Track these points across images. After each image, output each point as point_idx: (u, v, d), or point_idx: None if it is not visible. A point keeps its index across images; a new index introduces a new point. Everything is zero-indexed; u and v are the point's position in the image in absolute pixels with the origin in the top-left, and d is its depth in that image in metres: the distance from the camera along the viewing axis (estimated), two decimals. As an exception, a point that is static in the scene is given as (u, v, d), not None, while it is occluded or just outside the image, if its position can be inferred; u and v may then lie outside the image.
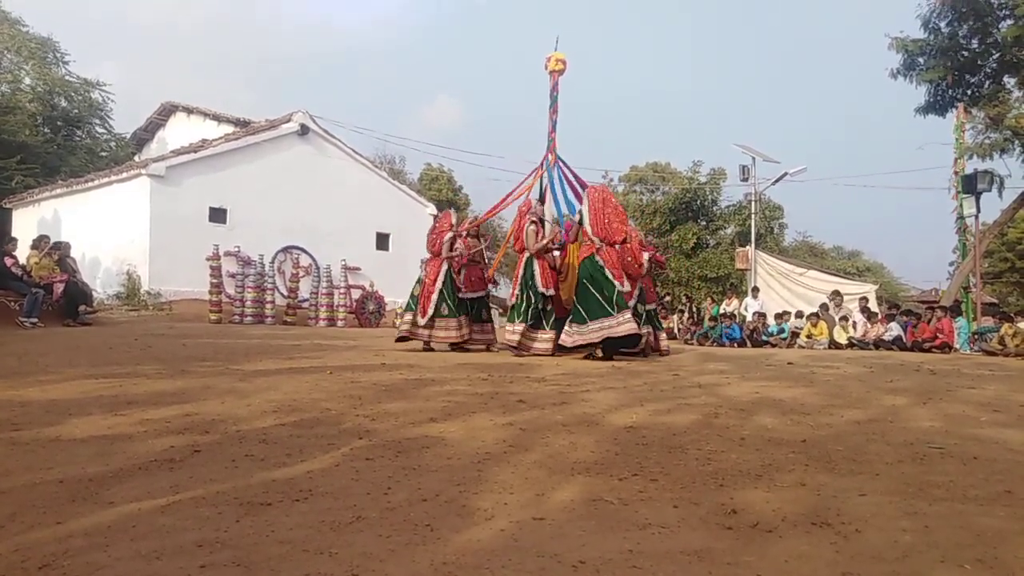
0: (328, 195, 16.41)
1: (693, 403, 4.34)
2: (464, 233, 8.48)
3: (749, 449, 3.08)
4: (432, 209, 18.14)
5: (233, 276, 14.03)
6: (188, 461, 2.71)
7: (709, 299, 18.47)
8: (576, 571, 1.73)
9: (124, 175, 14.86)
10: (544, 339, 7.64)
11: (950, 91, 15.21)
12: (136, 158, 20.39)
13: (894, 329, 13.02)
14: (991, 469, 2.80)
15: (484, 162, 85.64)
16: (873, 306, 15.48)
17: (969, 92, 15.36)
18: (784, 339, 13.93)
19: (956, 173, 16.12)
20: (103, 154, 21.90)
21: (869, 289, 17.18)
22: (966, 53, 14.80)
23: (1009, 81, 15.24)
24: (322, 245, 16.02)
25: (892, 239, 68.00)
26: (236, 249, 14.52)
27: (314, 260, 15.79)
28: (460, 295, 8.19)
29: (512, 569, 1.73)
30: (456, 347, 8.01)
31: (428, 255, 8.25)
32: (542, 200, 8.87)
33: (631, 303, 7.54)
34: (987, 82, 15.19)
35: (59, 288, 10.24)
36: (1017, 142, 15.86)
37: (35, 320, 9.47)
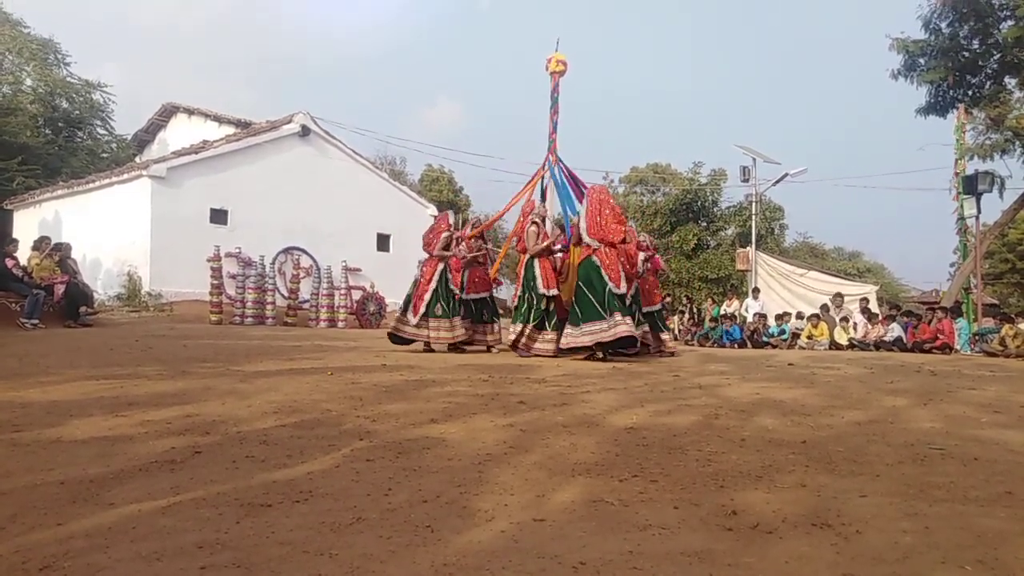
0: (329, 196, 16.42)
1: (693, 404, 4.34)
2: (468, 234, 8.48)
3: (750, 450, 3.08)
4: (433, 210, 18.15)
5: (234, 277, 14.04)
6: (189, 462, 2.72)
7: (710, 300, 18.46)
8: (576, 572, 1.73)
9: (125, 176, 14.87)
10: (546, 340, 7.64)
11: (951, 92, 15.21)
12: (137, 159, 20.42)
13: (895, 330, 13.02)
14: (992, 470, 2.80)
15: (485, 163, 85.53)
16: (874, 307, 15.48)
17: (970, 93, 15.36)
18: (785, 340, 13.93)
19: (957, 174, 16.10)
20: (104, 155, 21.93)
21: (869, 290, 17.17)
22: (967, 54, 14.80)
23: (1010, 82, 15.24)
24: (323, 246, 16.03)
25: (893, 240, 68.01)
26: (237, 250, 14.53)
27: (315, 261, 15.80)
28: (464, 296, 8.20)
29: (513, 570, 1.73)
30: (453, 347, 8.01)
31: (426, 255, 8.25)
32: (543, 199, 8.89)
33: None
34: (988, 83, 15.19)
35: (60, 289, 10.24)
36: (1018, 143, 15.85)
37: (36, 321, 9.47)
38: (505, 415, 3.78)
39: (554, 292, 7.69)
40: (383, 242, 18.04)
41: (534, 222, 7.93)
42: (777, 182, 20.38)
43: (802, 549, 1.91)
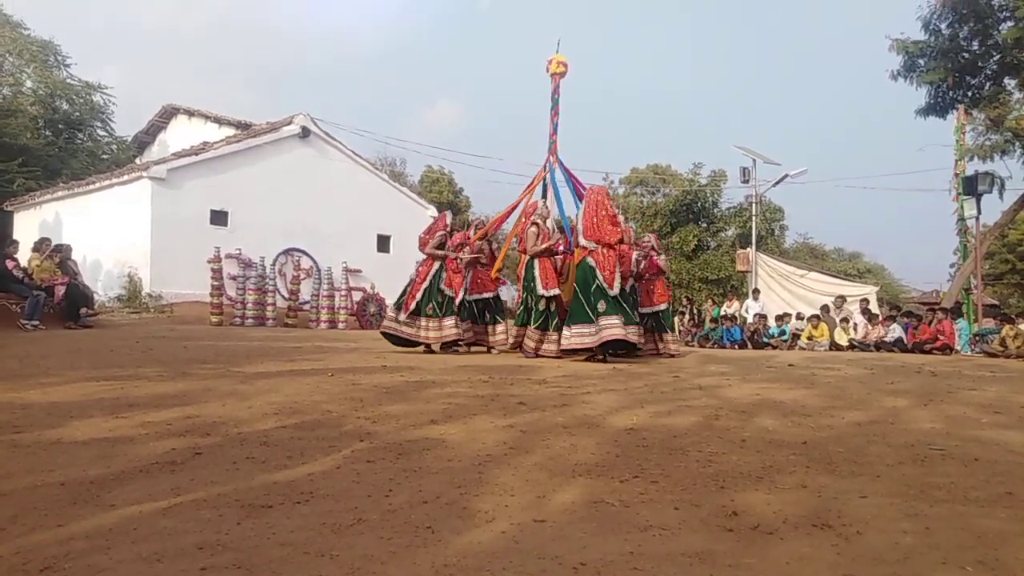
0: (329, 197, 16.43)
1: (694, 405, 4.34)
2: (475, 238, 8.46)
3: (750, 451, 3.08)
4: (432, 211, 18.16)
5: (234, 278, 14.04)
6: (189, 463, 2.72)
7: (710, 301, 18.49)
8: (577, 573, 1.73)
9: (125, 178, 14.88)
10: (550, 341, 7.64)
11: (950, 93, 15.21)
12: (137, 161, 20.42)
13: (896, 330, 13.02)
14: (992, 471, 2.80)
15: (485, 164, 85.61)
16: (874, 308, 15.48)
17: (969, 94, 15.36)
18: (785, 341, 13.93)
19: (957, 175, 16.12)
20: (104, 157, 21.95)
21: (870, 291, 17.18)
22: (967, 55, 14.81)
23: (1009, 83, 15.25)
24: (323, 247, 16.04)
25: (893, 241, 67.98)
26: (237, 251, 14.54)
27: (315, 262, 15.81)
28: (468, 297, 8.19)
29: (513, 571, 1.73)
30: (447, 346, 7.98)
31: (423, 256, 8.24)
32: (544, 197, 8.89)
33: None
34: (987, 84, 15.19)
35: (60, 290, 10.24)
36: (1017, 144, 15.87)
37: (36, 322, 9.47)
38: (505, 416, 3.78)
39: (553, 292, 7.68)
40: (383, 243, 18.05)
41: (535, 223, 7.93)
42: (777, 183, 20.39)
43: (803, 550, 1.91)
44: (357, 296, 15.96)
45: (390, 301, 15.69)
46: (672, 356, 8.70)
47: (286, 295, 14.85)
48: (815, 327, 13.59)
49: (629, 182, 28.87)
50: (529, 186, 9.41)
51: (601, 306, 7.04)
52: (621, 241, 7.54)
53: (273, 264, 14.95)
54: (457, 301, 7.92)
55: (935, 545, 1.94)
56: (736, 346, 13.66)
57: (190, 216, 14.36)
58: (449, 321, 7.83)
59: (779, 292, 17.75)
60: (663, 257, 9.45)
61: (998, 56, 14.60)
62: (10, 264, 10.01)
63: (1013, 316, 13.65)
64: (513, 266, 12.66)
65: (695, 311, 17.81)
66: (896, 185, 58.29)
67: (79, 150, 21.26)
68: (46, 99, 20.82)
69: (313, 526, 2.03)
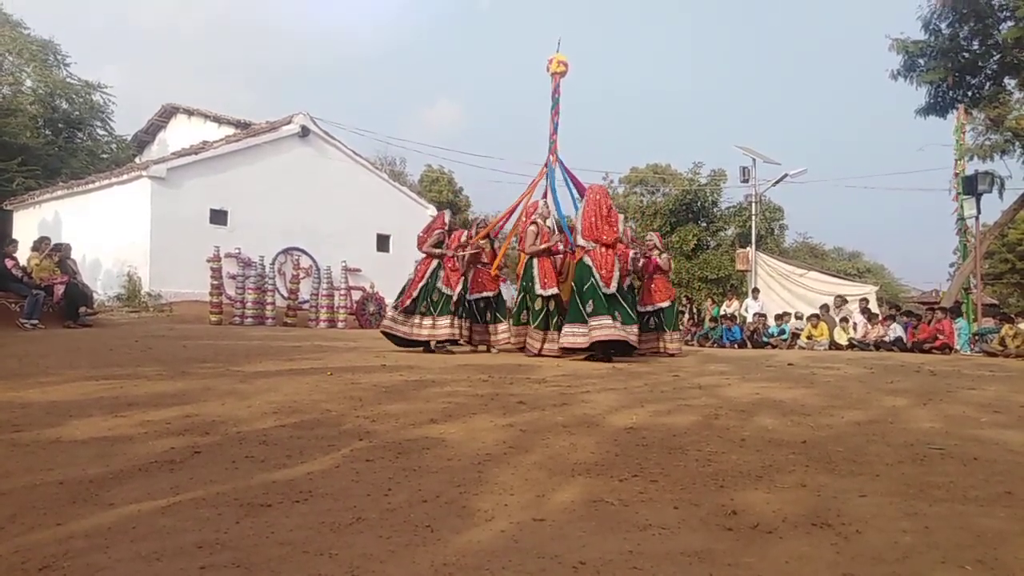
0: (329, 197, 16.42)
1: (693, 404, 4.34)
2: (476, 238, 8.45)
3: (749, 450, 3.08)
4: (432, 211, 18.16)
5: (234, 278, 14.04)
6: (188, 462, 2.72)
7: (710, 300, 18.49)
8: (576, 572, 1.73)
9: (125, 177, 14.88)
10: (551, 340, 7.63)
11: (950, 92, 15.22)
12: (137, 160, 20.41)
13: (896, 330, 13.02)
14: (991, 470, 2.80)
15: (485, 164, 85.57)
16: (874, 307, 15.49)
17: (969, 93, 15.37)
18: (784, 340, 13.94)
19: (956, 174, 16.11)
20: (104, 156, 21.94)
21: (870, 290, 17.19)
22: (967, 54, 14.81)
23: (1009, 83, 15.25)
24: (322, 247, 16.03)
25: (893, 240, 67.97)
26: (237, 251, 14.53)
27: (315, 261, 15.81)
28: (468, 296, 8.17)
29: (513, 570, 1.73)
30: (440, 345, 7.95)
31: (423, 255, 8.23)
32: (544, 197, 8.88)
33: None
34: (987, 83, 15.20)
35: (60, 290, 10.24)
36: (1017, 143, 15.87)
37: (36, 322, 9.47)
38: (505, 415, 3.78)
39: (550, 292, 7.67)
40: (383, 242, 18.04)
41: (534, 222, 7.93)
42: (777, 182, 20.40)
43: (802, 549, 1.91)
44: (356, 295, 15.96)
45: (390, 300, 15.74)
46: (671, 355, 8.70)
47: (285, 294, 14.84)
48: (815, 326, 13.60)
49: (629, 181, 28.88)
50: (530, 186, 9.41)
51: (590, 306, 7.03)
52: (620, 240, 7.54)
53: (272, 263, 14.94)
54: (454, 298, 7.86)
55: (934, 544, 1.94)
56: (736, 345, 13.67)
57: (190, 215, 14.35)
58: (443, 320, 7.75)
59: (779, 291, 17.76)
60: (665, 256, 9.42)
61: (998, 56, 14.60)
62: (9, 263, 10.01)
63: (1012, 315, 13.65)
64: (513, 265, 12.66)
65: (695, 310, 17.81)
66: (896, 185, 58.28)
67: (79, 149, 21.25)
68: (46, 98, 20.81)
69: (312, 525, 2.03)
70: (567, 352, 7.32)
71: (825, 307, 14.49)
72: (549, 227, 8.12)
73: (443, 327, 7.75)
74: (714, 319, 15.11)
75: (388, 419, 3.61)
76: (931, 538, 1.99)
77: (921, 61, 15.04)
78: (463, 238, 8.24)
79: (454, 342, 8.05)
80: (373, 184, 18.08)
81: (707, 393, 4.91)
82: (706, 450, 3.06)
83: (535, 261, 7.77)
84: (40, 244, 11.02)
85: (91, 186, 15.77)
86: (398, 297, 8.09)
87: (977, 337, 12.72)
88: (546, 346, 7.63)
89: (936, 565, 1.80)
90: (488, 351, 8.26)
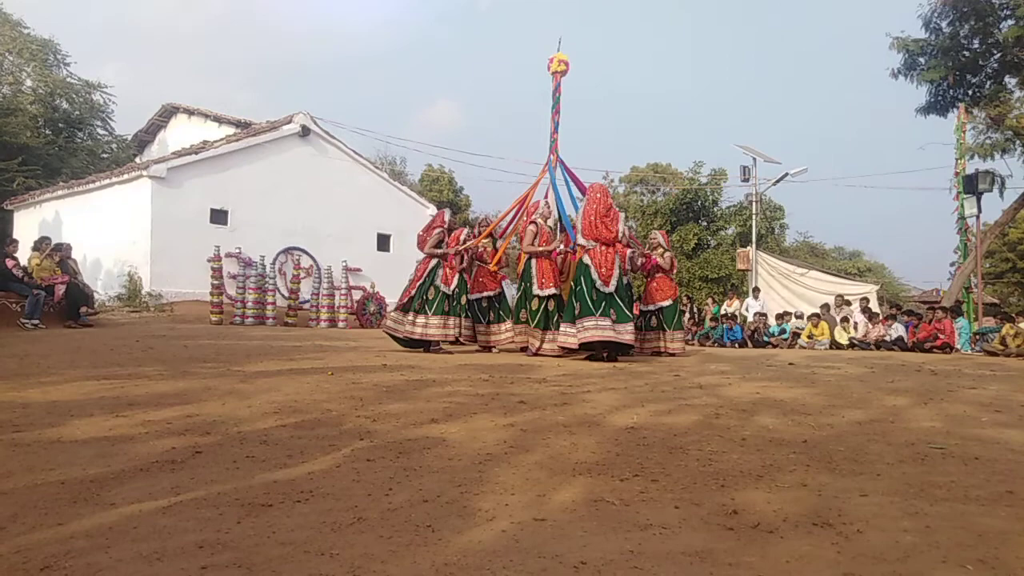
0: (329, 196, 16.43)
1: (694, 404, 4.33)
2: (478, 239, 8.44)
3: (750, 450, 3.08)
4: (433, 210, 18.16)
5: (234, 277, 14.04)
6: (189, 462, 2.72)
7: (710, 300, 18.48)
8: (577, 572, 1.73)
9: (125, 177, 14.88)
10: (549, 340, 7.64)
11: (951, 91, 15.22)
12: (137, 159, 20.43)
13: (897, 329, 13.02)
14: (992, 469, 2.80)
15: (485, 163, 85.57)
16: (874, 307, 15.49)
17: (970, 92, 15.37)
18: (785, 339, 13.94)
19: (957, 173, 16.11)
20: (104, 156, 21.98)
21: (870, 289, 17.19)
22: (967, 53, 14.81)
23: (1010, 81, 15.25)
24: (323, 246, 16.04)
25: (893, 239, 68.05)
26: (237, 250, 14.54)
27: (315, 261, 15.82)
28: (470, 296, 8.16)
29: (513, 570, 1.73)
30: (436, 346, 7.91)
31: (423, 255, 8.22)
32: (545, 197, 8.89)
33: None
34: (988, 82, 15.20)
35: (60, 289, 10.25)
36: (1018, 142, 15.87)
37: (36, 321, 9.48)
38: (506, 415, 3.77)
39: (547, 292, 7.67)
40: (383, 242, 18.05)
41: (534, 222, 7.92)
42: (777, 182, 20.40)
43: (803, 548, 1.90)
44: (357, 295, 15.96)
45: (390, 300, 15.78)
46: (672, 355, 8.69)
47: (286, 294, 14.85)
48: (815, 326, 13.59)
49: (629, 181, 28.89)
50: (532, 184, 9.42)
51: (577, 308, 7.03)
52: (620, 240, 7.53)
53: (273, 263, 14.95)
54: (449, 294, 7.79)
55: (935, 544, 1.94)
56: (736, 345, 13.67)
57: (190, 215, 14.36)
58: (435, 319, 7.67)
59: (779, 291, 17.76)
60: (668, 254, 9.39)
61: (999, 54, 14.60)
62: (10, 263, 10.02)
63: (1013, 315, 13.64)
64: (514, 264, 12.67)
65: (695, 310, 17.81)
66: (896, 184, 58.29)
67: (79, 149, 21.28)
68: (46, 98, 20.83)
69: (313, 525, 2.03)
70: (566, 351, 7.32)
71: (826, 306, 14.48)
72: (550, 227, 8.12)
73: (435, 326, 7.68)
74: (715, 318, 15.11)
75: (389, 419, 3.61)
76: (932, 537, 1.99)
77: (922, 60, 15.05)
78: (462, 237, 8.24)
79: (450, 342, 8.02)
80: (373, 184, 18.09)
81: (708, 392, 4.91)
82: (707, 450, 3.06)
83: (533, 261, 7.77)
84: (41, 244, 11.03)
85: (91, 186, 15.77)
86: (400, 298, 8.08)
87: (978, 336, 12.71)
88: (545, 345, 7.63)
89: (937, 565, 1.80)
90: (489, 351, 8.25)
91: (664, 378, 5.80)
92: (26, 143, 18.48)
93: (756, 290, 17.08)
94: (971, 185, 15.05)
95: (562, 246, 8.13)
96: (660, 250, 9.28)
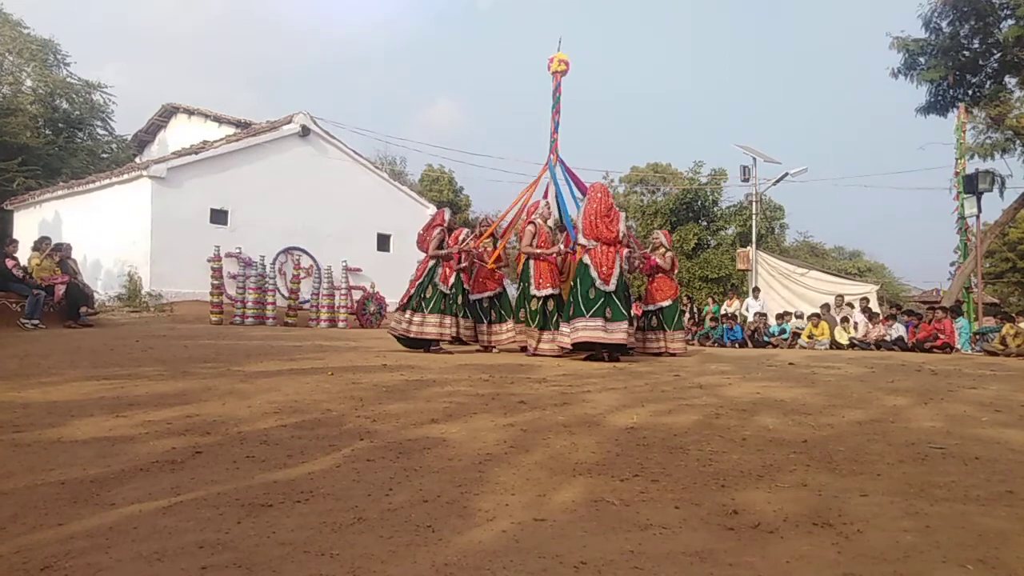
0: (329, 196, 16.42)
1: (694, 404, 4.33)
2: (480, 240, 8.43)
3: (750, 450, 3.08)
4: (433, 210, 18.16)
5: (234, 277, 14.04)
6: (189, 462, 2.72)
7: (710, 300, 18.48)
8: (578, 572, 1.73)
9: (125, 177, 14.87)
10: (546, 340, 7.63)
11: (951, 91, 15.22)
12: (137, 159, 20.42)
13: (898, 329, 13.02)
14: (993, 469, 2.80)
15: (485, 163, 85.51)
16: (875, 306, 15.49)
17: (970, 92, 15.37)
18: (785, 339, 13.93)
19: (957, 173, 16.11)
20: (104, 156, 21.98)
21: (870, 289, 17.20)
22: (967, 53, 14.81)
23: (1010, 81, 15.25)
24: (323, 246, 16.04)
25: (893, 239, 68.08)
26: (237, 250, 14.53)
27: (315, 261, 15.81)
28: (471, 296, 8.15)
29: (513, 570, 1.73)
30: (436, 346, 7.89)
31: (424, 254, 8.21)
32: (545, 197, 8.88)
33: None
34: (988, 82, 15.20)
35: (60, 289, 10.25)
36: (1018, 142, 15.87)
37: (36, 322, 9.48)
38: (506, 415, 3.77)
39: (545, 292, 7.66)
40: (383, 242, 18.04)
41: (533, 222, 7.92)
42: (777, 182, 20.40)
43: (803, 548, 1.90)
44: (357, 295, 15.96)
45: (390, 300, 15.79)
46: (673, 355, 8.68)
47: (286, 294, 14.84)
48: (815, 326, 13.59)
49: (629, 180, 28.88)
50: (532, 183, 9.41)
51: (571, 309, 7.06)
52: (619, 240, 7.53)
53: (273, 263, 14.94)
54: (446, 291, 7.74)
55: (936, 543, 1.94)
56: (736, 345, 13.67)
57: (190, 215, 14.35)
58: (432, 318, 7.64)
59: (779, 291, 17.76)
60: (670, 254, 9.37)
61: (999, 54, 14.60)
62: (10, 263, 10.02)
63: (1013, 315, 13.64)
64: (513, 264, 12.67)
65: (695, 310, 17.81)
66: (896, 183, 58.28)
67: (79, 149, 21.28)
68: (46, 98, 20.83)
69: (313, 525, 2.03)
70: (565, 351, 7.32)
71: (826, 306, 14.48)
72: (549, 228, 8.11)
73: (431, 324, 7.65)
74: (715, 318, 15.11)
75: (389, 419, 3.61)
76: (932, 537, 1.99)
77: (922, 59, 15.05)
78: (462, 237, 8.23)
79: (449, 341, 8.01)
80: (373, 184, 18.08)
81: (708, 392, 4.91)
82: (707, 450, 3.06)
83: (532, 261, 7.77)
84: (41, 244, 11.03)
85: (91, 186, 15.76)
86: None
87: (978, 336, 12.71)
88: (543, 345, 7.63)
89: (937, 564, 1.80)
90: (489, 351, 8.25)
91: (664, 378, 5.80)
92: (26, 143, 18.49)
93: (756, 290, 17.08)
94: (971, 185, 15.05)
95: (562, 247, 8.12)
96: (662, 250, 9.26)
